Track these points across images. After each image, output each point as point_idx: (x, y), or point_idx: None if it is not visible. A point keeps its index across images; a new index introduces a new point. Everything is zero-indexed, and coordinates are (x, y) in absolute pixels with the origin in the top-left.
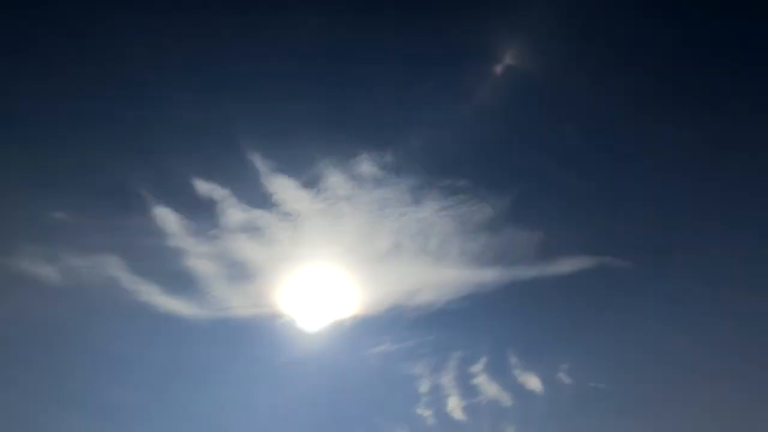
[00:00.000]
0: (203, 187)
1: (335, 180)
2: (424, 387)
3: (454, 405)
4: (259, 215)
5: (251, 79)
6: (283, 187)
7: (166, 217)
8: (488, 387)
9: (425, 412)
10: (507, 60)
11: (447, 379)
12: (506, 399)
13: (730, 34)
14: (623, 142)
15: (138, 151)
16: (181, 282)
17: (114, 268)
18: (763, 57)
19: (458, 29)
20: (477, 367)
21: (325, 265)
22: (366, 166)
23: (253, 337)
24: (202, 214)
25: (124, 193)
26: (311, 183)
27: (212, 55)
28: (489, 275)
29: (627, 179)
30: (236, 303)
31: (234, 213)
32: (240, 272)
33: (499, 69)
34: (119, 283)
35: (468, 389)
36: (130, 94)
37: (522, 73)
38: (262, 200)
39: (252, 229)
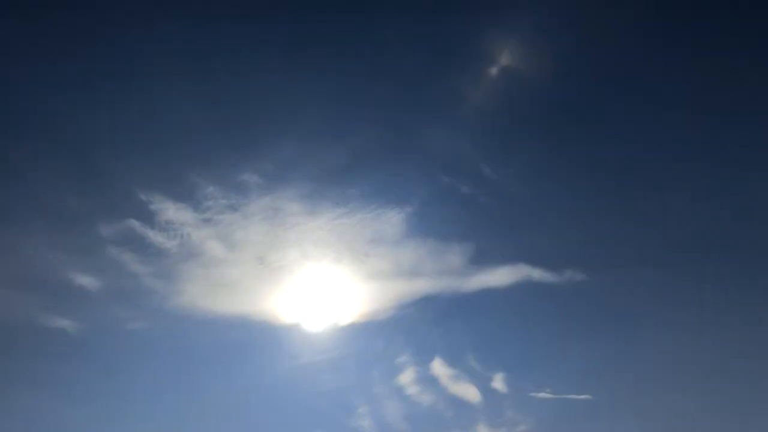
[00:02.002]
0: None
1: (215, 190)
2: (349, 400)
3: (380, 417)
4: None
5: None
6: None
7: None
8: (420, 396)
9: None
10: None
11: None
12: (440, 407)
13: (727, 36)
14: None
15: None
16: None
17: None
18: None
19: None
20: (406, 377)
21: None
22: (248, 175)
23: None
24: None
25: None
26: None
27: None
28: (393, 286)
29: (561, 189)
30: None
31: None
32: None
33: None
34: None
35: (396, 399)
36: None
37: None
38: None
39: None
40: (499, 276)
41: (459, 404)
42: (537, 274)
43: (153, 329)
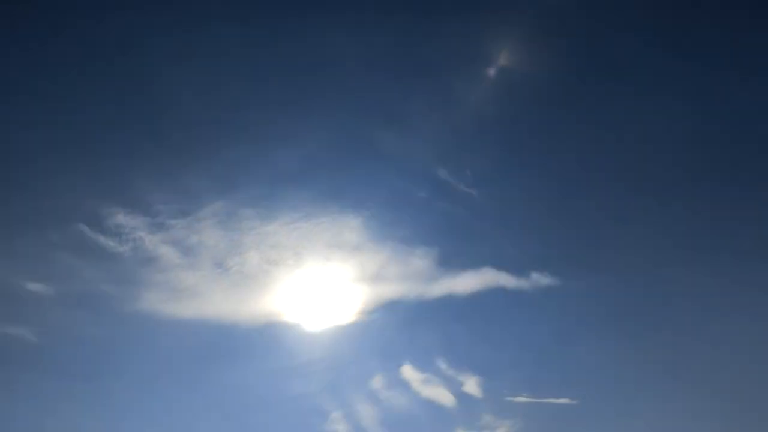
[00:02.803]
0: None
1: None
2: (320, 406)
3: (355, 423)
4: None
5: None
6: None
7: None
8: (394, 402)
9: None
10: None
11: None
12: (415, 412)
13: (727, 37)
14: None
15: None
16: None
17: None
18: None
19: None
20: (377, 382)
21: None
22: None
23: None
24: None
25: None
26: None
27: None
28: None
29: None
30: None
31: None
32: None
33: None
34: None
35: (369, 406)
36: None
37: None
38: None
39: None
40: (466, 280)
41: (434, 409)
42: (503, 278)
43: (111, 334)
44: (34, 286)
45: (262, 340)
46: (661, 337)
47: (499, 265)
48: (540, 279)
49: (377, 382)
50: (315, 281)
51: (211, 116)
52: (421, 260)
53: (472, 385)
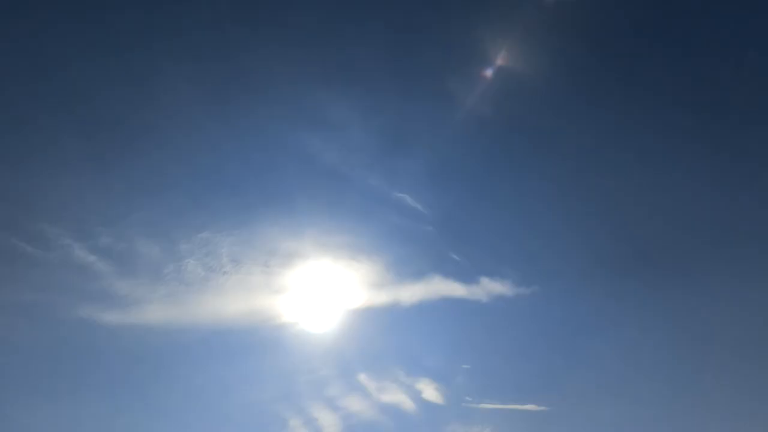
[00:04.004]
0: None
1: None
2: (276, 413)
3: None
4: None
5: None
6: None
7: None
8: (351, 410)
9: None
10: None
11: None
12: (373, 420)
13: (727, 37)
14: None
15: None
16: None
17: None
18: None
19: None
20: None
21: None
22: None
23: None
24: None
25: None
26: None
27: None
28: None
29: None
30: None
31: None
32: None
33: None
34: None
35: (326, 414)
36: None
37: None
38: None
39: None
40: (413, 289)
41: (396, 416)
42: (451, 286)
43: (41, 341)
44: None
45: (207, 348)
46: (620, 341)
47: (447, 273)
48: (491, 286)
49: (334, 390)
50: (256, 289)
51: (136, 120)
52: (366, 268)
53: (431, 392)
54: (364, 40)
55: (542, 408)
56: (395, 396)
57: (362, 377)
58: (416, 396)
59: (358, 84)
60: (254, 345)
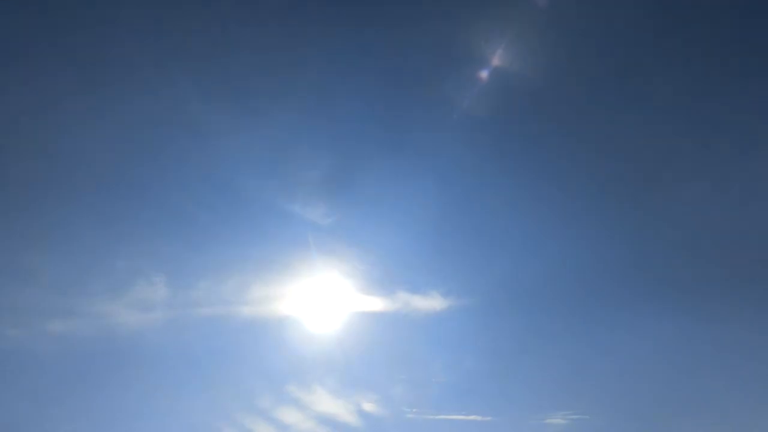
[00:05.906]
0: None
1: None
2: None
3: None
4: None
5: None
6: None
7: None
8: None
9: None
10: None
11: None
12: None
13: (727, 37)
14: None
15: None
16: None
17: None
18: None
19: None
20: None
21: None
22: None
23: None
24: None
25: None
26: None
27: None
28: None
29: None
30: None
31: None
32: None
33: None
34: None
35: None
36: None
37: None
38: None
39: None
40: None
41: (335, 428)
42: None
43: None
44: None
45: (149, 359)
46: (565, 349)
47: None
48: (427, 300)
49: (266, 401)
50: (210, 301)
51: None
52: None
53: (369, 404)
54: (356, 41)
55: (487, 418)
56: (331, 408)
57: (292, 389)
58: (355, 408)
59: (350, 85)
60: (202, 351)
